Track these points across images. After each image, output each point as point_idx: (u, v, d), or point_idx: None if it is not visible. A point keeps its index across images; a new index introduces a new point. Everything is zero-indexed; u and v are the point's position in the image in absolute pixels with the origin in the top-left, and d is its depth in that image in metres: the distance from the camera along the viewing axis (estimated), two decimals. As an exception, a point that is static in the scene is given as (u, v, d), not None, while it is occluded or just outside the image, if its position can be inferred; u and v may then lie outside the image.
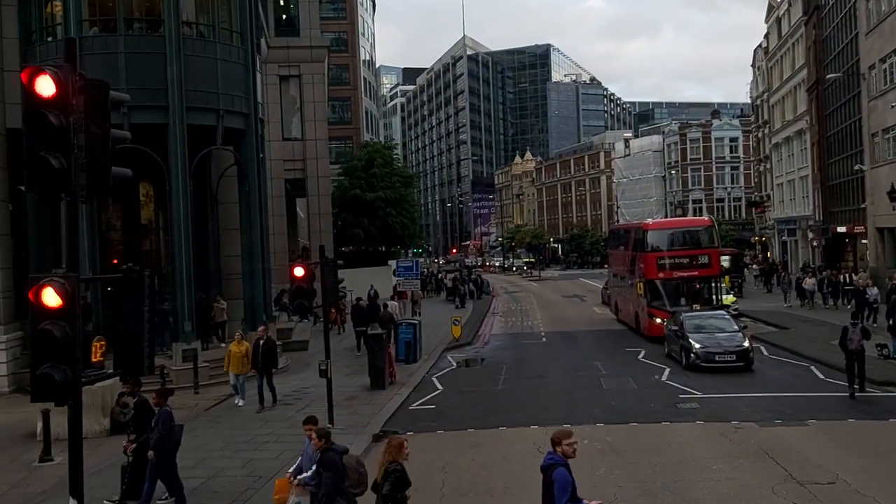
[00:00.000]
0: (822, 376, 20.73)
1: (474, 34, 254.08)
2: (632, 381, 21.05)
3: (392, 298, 35.94)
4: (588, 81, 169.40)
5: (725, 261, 36.36)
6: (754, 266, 60.78)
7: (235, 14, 24.37)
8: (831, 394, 18.56)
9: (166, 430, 11.10)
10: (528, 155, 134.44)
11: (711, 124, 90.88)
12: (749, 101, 77.44)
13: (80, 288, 6.58)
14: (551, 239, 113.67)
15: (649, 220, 40.35)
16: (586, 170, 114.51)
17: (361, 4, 76.39)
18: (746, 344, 22.40)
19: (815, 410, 16.69)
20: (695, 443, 14.70)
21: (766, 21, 62.25)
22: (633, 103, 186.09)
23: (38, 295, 6.46)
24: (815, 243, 51.20)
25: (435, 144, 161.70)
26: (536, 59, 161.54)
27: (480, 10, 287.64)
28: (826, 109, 46.92)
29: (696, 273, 28.98)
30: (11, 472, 13.99)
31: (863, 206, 39.97)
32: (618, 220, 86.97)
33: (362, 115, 71.88)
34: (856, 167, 40.24)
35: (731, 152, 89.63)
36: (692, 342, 22.41)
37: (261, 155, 26.69)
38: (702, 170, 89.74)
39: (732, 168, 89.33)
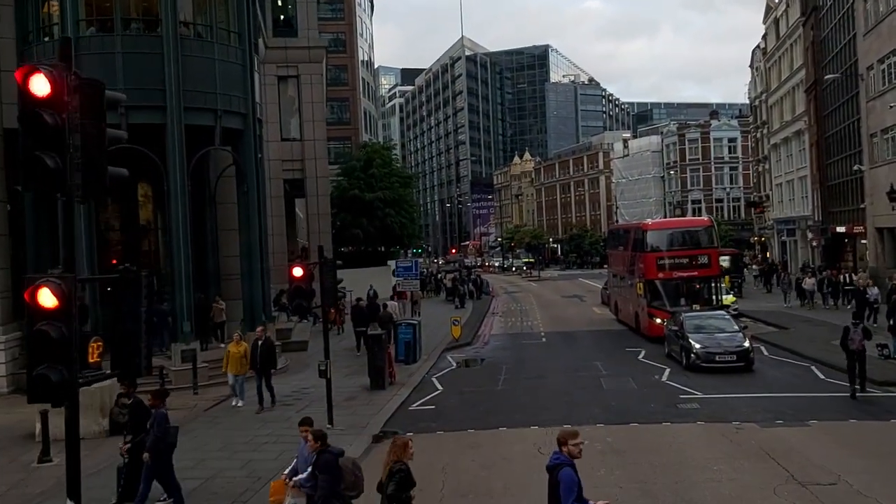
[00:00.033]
0: (822, 376, 20.69)
1: (473, 35, 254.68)
2: (632, 381, 21.00)
3: (391, 298, 35.89)
4: (587, 82, 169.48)
5: (725, 261, 36.33)
6: (754, 266, 60.72)
7: (233, 14, 24.31)
8: (832, 394, 18.52)
9: (161, 432, 11.02)
10: (527, 155, 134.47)
11: (710, 125, 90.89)
12: (747, 101, 77.40)
13: (76, 288, 6.52)
14: (550, 239, 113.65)
15: (649, 221, 40.26)
16: (585, 170, 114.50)
17: (359, 5, 76.35)
18: (747, 344, 22.35)
19: (816, 411, 16.64)
20: (695, 443, 14.65)
21: (764, 22, 62.24)
22: (632, 104, 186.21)
23: (33, 295, 6.40)
24: (814, 243, 51.17)
25: (434, 145, 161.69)
26: (535, 60, 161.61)
27: (480, 10, 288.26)
28: (825, 110, 46.90)
29: (695, 273, 28.94)
30: (10, 473, 13.93)
31: (862, 206, 39.95)
32: (617, 221, 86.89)
33: (361, 116, 71.83)
34: (855, 167, 40.21)
35: (730, 153, 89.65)
36: (692, 342, 22.36)
37: (259, 155, 26.64)
38: (700, 170, 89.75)
39: (731, 168, 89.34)
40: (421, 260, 68.41)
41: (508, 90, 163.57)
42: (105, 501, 11.45)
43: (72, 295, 6.45)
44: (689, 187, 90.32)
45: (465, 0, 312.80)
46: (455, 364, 25.62)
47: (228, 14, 24.24)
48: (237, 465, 13.87)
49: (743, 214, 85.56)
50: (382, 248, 57.22)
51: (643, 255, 29.54)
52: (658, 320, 27.44)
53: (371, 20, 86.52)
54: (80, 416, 13.80)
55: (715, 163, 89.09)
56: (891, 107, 34.47)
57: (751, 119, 75.81)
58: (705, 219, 42.28)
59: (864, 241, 41.07)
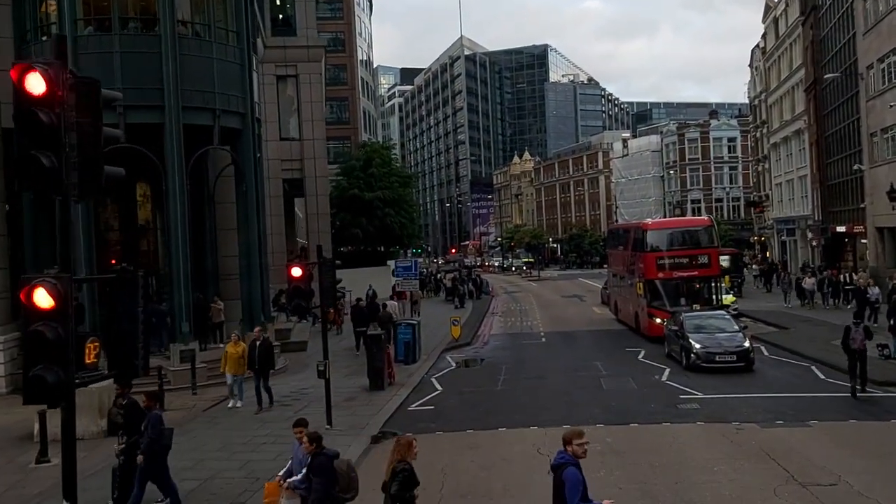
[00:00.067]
0: (822, 376, 20.64)
1: (473, 34, 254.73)
2: (632, 381, 20.95)
3: (391, 298, 35.85)
4: (586, 82, 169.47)
5: (725, 261, 36.27)
6: (754, 266, 60.68)
7: (231, 13, 24.26)
8: (832, 394, 18.46)
9: (156, 434, 10.95)
10: (527, 155, 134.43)
11: (709, 124, 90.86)
12: (747, 101, 77.41)
13: (72, 288, 6.46)
14: (550, 239, 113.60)
15: (649, 220, 40.26)
16: (584, 170, 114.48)
17: (358, 4, 76.32)
18: (747, 344, 22.29)
19: (817, 411, 16.58)
20: (695, 444, 14.60)
21: (764, 21, 62.19)
22: (631, 103, 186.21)
23: (29, 296, 6.34)
24: (814, 243, 51.13)
25: (433, 144, 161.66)
26: (534, 60, 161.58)
27: (479, 9, 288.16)
28: (824, 109, 46.86)
29: (695, 273, 28.88)
30: (8, 474, 13.89)
31: (862, 205, 39.91)
32: (616, 220, 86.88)
33: (360, 116, 71.78)
34: (855, 167, 40.17)
35: (730, 152, 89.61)
36: (692, 342, 22.31)
37: (258, 154, 26.60)
38: (700, 170, 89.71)
39: (731, 168, 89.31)
40: (420, 260, 68.40)
41: (508, 90, 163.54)
42: (102, 503, 11.40)
43: (68, 295, 6.39)
44: (688, 187, 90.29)
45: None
46: (454, 364, 25.56)
47: (227, 13, 24.19)
48: (236, 465, 13.81)
49: (743, 214, 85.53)
50: (382, 248, 57.18)
51: (643, 254, 29.49)
52: (658, 320, 27.39)
53: (370, 20, 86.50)
54: (78, 416, 13.73)
55: (714, 162, 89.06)
56: (891, 106, 34.43)
57: (750, 118, 75.79)
58: (705, 218, 42.23)
59: (864, 241, 41.04)
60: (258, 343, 18.54)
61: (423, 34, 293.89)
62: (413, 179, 77.58)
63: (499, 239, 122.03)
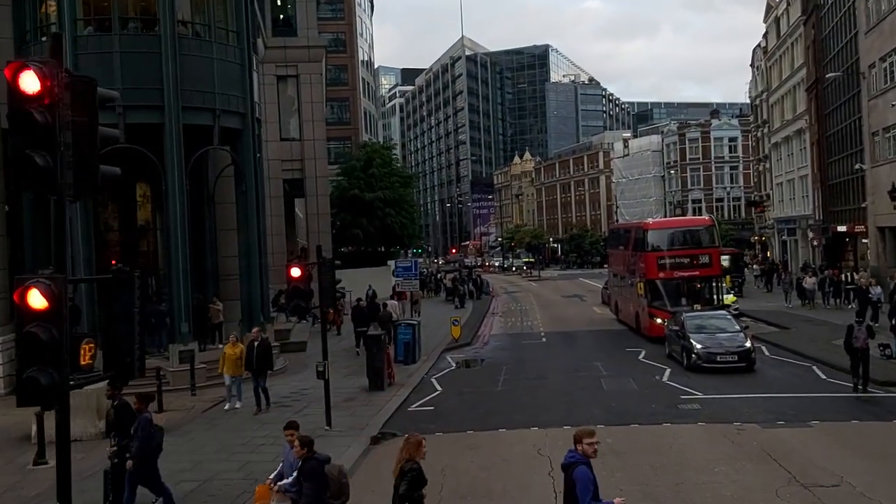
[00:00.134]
0: (824, 377, 20.57)
1: (473, 34, 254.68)
2: (632, 381, 20.88)
3: (391, 298, 35.79)
4: (587, 82, 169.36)
5: (725, 260, 36.19)
6: (755, 266, 60.61)
7: (231, 13, 24.22)
8: (834, 394, 18.41)
9: (145, 437, 10.85)
10: (528, 155, 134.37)
11: (710, 124, 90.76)
12: (748, 100, 77.29)
13: (66, 289, 6.40)
14: (551, 239, 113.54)
15: (649, 220, 40.23)
16: (585, 170, 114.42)
17: (359, 5, 76.24)
18: (748, 344, 22.22)
19: (818, 411, 16.51)
20: (696, 444, 14.53)
21: (765, 21, 62.12)
22: (632, 103, 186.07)
23: (23, 297, 6.28)
24: (815, 243, 51.05)
25: (434, 145, 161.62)
26: (535, 60, 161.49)
27: (479, 10, 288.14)
28: (826, 109, 46.77)
29: (696, 273, 28.80)
30: (6, 475, 13.83)
31: (863, 205, 39.83)
32: (617, 220, 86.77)
33: (361, 116, 71.73)
34: (856, 166, 40.08)
35: (731, 152, 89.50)
36: (693, 342, 22.24)
37: (258, 155, 26.55)
38: (701, 169, 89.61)
39: (731, 168, 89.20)
40: (421, 260, 68.35)
41: (508, 90, 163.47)
42: (99, 505, 11.36)
43: (62, 296, 6.32)
44: (689, 187, 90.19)
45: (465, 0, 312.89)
46: (455, 364, 25.50)
47: (227, 13, 24.15)
48: (234, 466, 13.75)
49: (743, 214, 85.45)
50: (382, 248, 57.12)
51: (644, 254, 29.41)
52: (659, 320, 27.31)
53: (371, 20, 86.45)
54: (76, 418, 13.68)
55: (715, 162, 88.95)
56: (892, 105, 34.35)
57: (751, 118, 75.69)
58: (706, 218, 42.13)
59: (865, 241, 40.94)
60: (256, 344, 18.48)
61: (423, 34, 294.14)
62: (414, 180, 77.53)
63: (499, 239, 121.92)
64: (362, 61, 75.62)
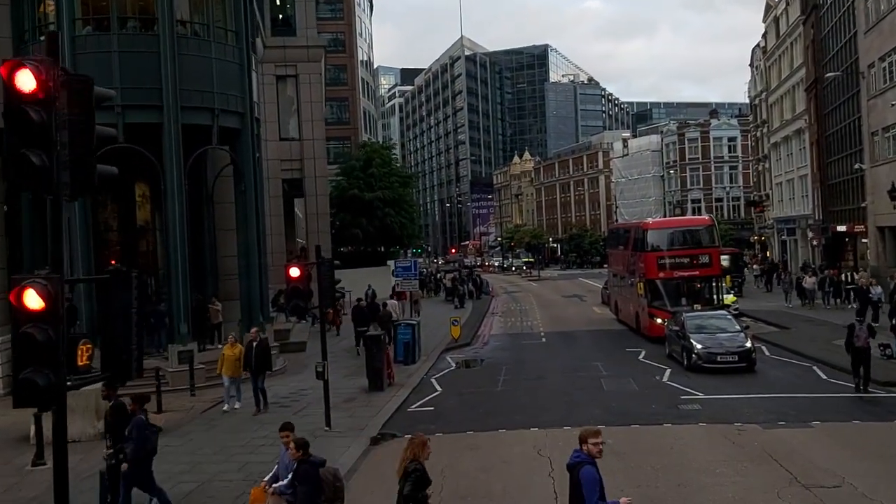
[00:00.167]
0: (824, 377, 20.53)
1: (473, 34, 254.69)
2: (632, 381, 20.83)
3: (391, 298, 35.73)
4: (586, 82, 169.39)
5: (725, 260, 36.15)
6: (754, 266, 60.59)
7: (230, 13, 24.18)
8: (834, 394, 18.36)
9: (140, 440, 10.77)
10: (527, 155, 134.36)
11: (710, 124, 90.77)
12: (747, 100, 77.28)
13: (63, 289, 6.33)
14: (550, 239, 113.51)
15: (649, 220, 40.16)
16: (585, 170, 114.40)
17: (359, 5, 76.22)
18: (749, 344, 22.17)
19: (819, 412, 16.46)
20: (697, 445, 14.47)
21: (764, 20, 62.08)
22: (631, 103, 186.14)
23: (19, 297, 6.21)
24: (814, 242, 51.01)
25: (433, 145, 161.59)
26: (534, 60, 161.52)
27: (479, 9, 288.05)
28: (825, 108, 46.74)
29: (696, 273, 28.76)
30: (4, 476, 13.78)
31: (863, 205, 39.79)
32: (616, 220, 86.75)
33: (360, 116, 71.70)
34: (856, 166, 40.04)
35: (730, 152, 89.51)
36: (694, 342, 22.18)
37: (257, 154, 26.49)
38: (700, 169, 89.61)
39: (731, 167, 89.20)
40: (420, 260, 68.29)
41: (508, 90, 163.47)
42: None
43: (59, 296, 6.26)
44: (688, 186, 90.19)
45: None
46: (454, 365, 25.45)
47: (225, 13, 24.10)
48: (234, 467, 13.70)
49: (743, 214, 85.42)
50: (382, 248, 57.08)
51: (644, 254, 29.37)
52: (659, 320, 27.27)
53: (370, 20, 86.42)
54: (74, 419, 13.62)
55: (715, 162, 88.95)
56: (892, 105, 34.31)
57: (750, 118, 75.66)
58: (706, 218, 42.08)
59: (864, 241, 40.90)
60: (255, 344, 18.42)
61: (423, 34, 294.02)
62: (413, 179, 77.48)
63: (499, 239, 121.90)
64: (362, 61, 75.59)
